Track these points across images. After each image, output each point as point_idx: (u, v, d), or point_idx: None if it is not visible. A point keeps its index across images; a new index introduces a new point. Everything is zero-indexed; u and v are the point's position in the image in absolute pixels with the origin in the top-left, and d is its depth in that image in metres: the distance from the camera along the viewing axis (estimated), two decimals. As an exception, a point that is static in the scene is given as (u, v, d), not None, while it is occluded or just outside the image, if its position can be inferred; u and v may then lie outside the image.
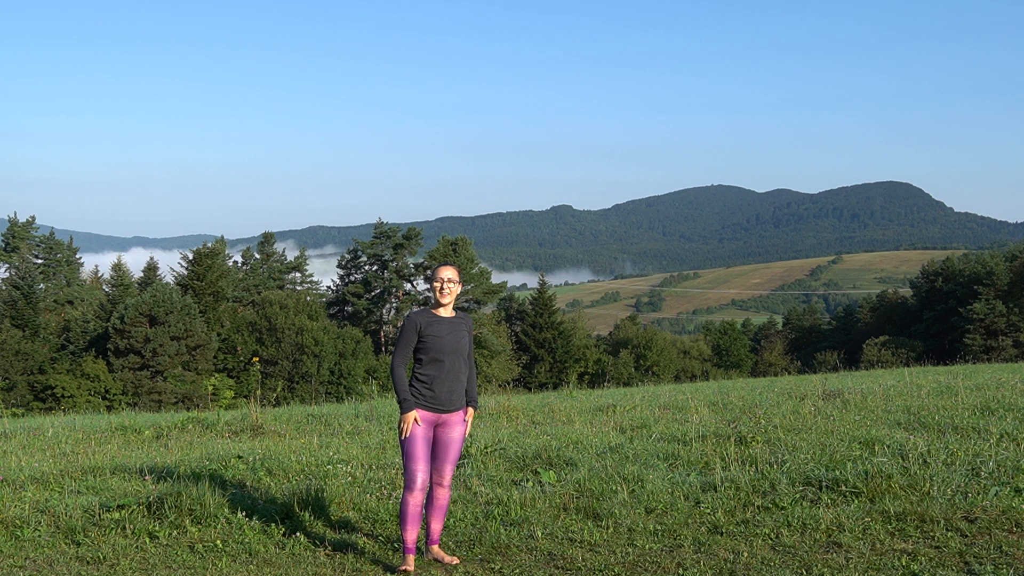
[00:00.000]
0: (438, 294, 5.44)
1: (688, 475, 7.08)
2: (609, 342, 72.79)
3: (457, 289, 5.47)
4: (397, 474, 7.63)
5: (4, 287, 54.34)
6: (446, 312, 5.49)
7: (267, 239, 71.72)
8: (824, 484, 6.48)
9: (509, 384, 39.06)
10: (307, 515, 6.41)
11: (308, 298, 61.30)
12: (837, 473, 6.64)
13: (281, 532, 6.13)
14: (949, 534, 5.48)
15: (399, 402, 5.37)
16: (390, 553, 5.75)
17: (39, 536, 6.21)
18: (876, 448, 7.68)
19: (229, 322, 52.40)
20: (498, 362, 56.41)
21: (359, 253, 69.35)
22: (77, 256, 69.15)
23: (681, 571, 5.17)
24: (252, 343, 50.31)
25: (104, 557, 5.77)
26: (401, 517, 5.35)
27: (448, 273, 5.45)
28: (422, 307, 5.76)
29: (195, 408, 24.24)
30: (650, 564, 5.33)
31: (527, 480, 7.24)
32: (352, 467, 7.86)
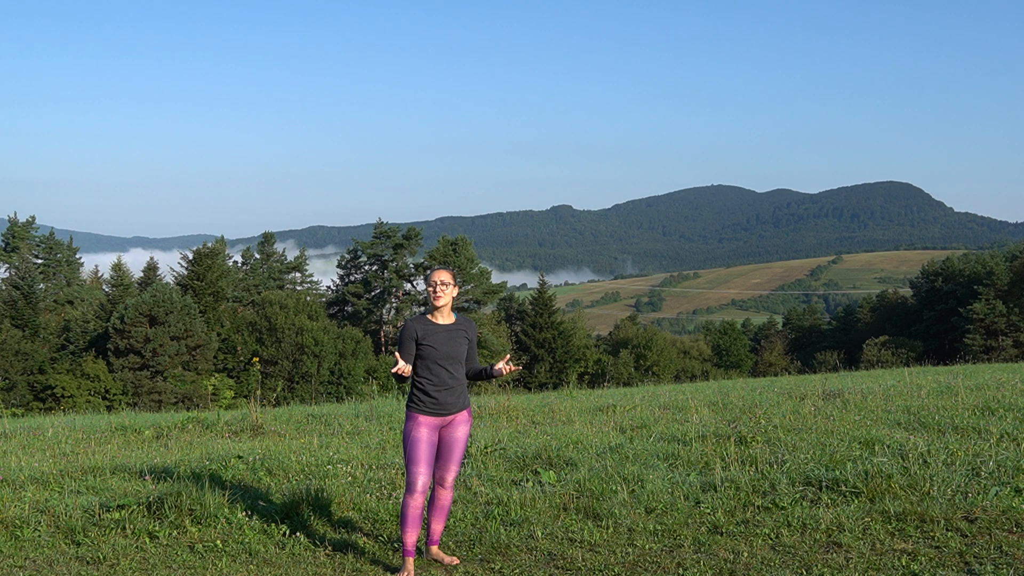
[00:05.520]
0: (432, 298, 5.37)
1: (688, 475, 7.07)
2: (609, 342, 72.71)
3: (452, 291, 5.38)
4: (397, 474, 7.63)
5: (4, 287, 54.36)
6: (444, 316, 5.42)
7: (267, 239, 71.80)
8: (824, 484, 6.48)
9: (509, 384, 39.06)
10: (307, 515, 6.42)
11: (308, 298, 61.29)
12: (837, 473, 6.64)
13: (281, 532, 6.13)
14: (949, 534, 5.48)
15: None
16: (390, 553, 5.75)
17: (39, 536, 6.20)
18: (876, 448, 7.67)
19: (229, 322, 52.40)
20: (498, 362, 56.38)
21: (359, 253, 69.42)
22: (77, 256, 69.18)
23: (681, 571, 5.17)
24: (252, 343, 50.32)
25: (104, 557, 5.77)
26: (401, 519, 5.33)
27: (441, 276, 5.36)
28: (421, 311, 5.70)
29: (195, 408, 24.22)
30: (650, 564, 5.32)
31: (527, 480, 7.24)
32: (352, 467, 7.86)
